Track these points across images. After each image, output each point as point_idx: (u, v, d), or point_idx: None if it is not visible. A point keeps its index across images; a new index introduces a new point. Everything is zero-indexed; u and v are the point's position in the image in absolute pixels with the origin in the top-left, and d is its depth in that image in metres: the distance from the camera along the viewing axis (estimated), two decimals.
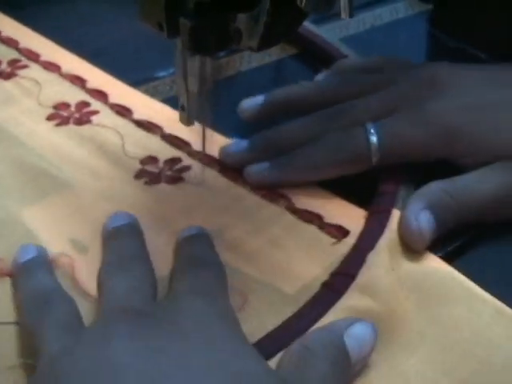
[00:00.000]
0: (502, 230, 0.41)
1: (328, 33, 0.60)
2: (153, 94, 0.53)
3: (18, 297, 0.35)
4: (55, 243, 0.39)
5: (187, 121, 0.39)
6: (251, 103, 0.47)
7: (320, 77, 0.51)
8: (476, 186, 0.40)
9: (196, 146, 0.46)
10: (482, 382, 0.33)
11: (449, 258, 0.39)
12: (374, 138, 0.41)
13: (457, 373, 0.33)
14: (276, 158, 0.43)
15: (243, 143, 0.44)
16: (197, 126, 0.47)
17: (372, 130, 0.41)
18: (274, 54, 0.58)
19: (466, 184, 0.41)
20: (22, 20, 0.61)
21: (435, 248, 0.39)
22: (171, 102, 0.50)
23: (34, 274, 0.35)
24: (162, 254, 0.38)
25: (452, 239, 0.40)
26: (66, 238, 0.40)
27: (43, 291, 0.34)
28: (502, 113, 0.41)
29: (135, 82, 0.53)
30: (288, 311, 0.36)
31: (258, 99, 0.47)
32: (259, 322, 0.35)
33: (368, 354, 0.32)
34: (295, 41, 0.59)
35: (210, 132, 0.41)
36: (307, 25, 0.58)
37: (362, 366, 0.33)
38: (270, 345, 0.33)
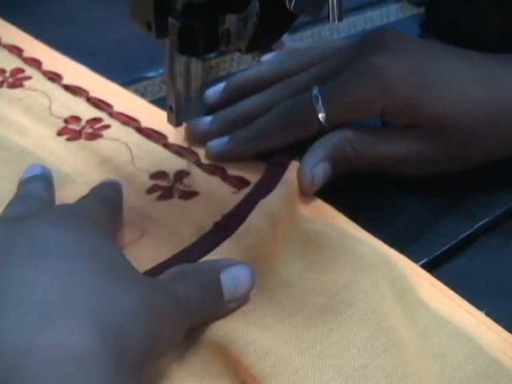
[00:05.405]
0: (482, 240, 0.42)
1: (318, 35, 0.61)
2: (143, 94, 0.53)
3: None
4: None
5: (175, 121, 0.39)
6: (215, 89, 0.51)
7: (267, 57, 0.53)
8: (380, 143, 0.43)
9: (117, 107, 0.50)
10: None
11: (430, 267, 0.39)
12: (318, 98, 0.43)
13: (329, 293, 0.36)
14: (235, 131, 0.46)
15: (207, 120, 0.47)
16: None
17: (315, 92, 0.44)
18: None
19: (371, 139, 0.43)
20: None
21: (417, 256, 0.39)
22: (161, 102, 0.49)
23: None
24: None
25: (433, 249, 0.41)
26: None
27: None
28: (440, 81, 0.42)
29: (125, 82, 0.53)
30: (180, 248, 0.39)
31: (221, 85, 0.51)
32: (151, 255, 0.38)
33: (244, 294, 0.35)
34: None
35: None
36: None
37: (240, 304, 0.35)
38: (154, 275, 0.35)
